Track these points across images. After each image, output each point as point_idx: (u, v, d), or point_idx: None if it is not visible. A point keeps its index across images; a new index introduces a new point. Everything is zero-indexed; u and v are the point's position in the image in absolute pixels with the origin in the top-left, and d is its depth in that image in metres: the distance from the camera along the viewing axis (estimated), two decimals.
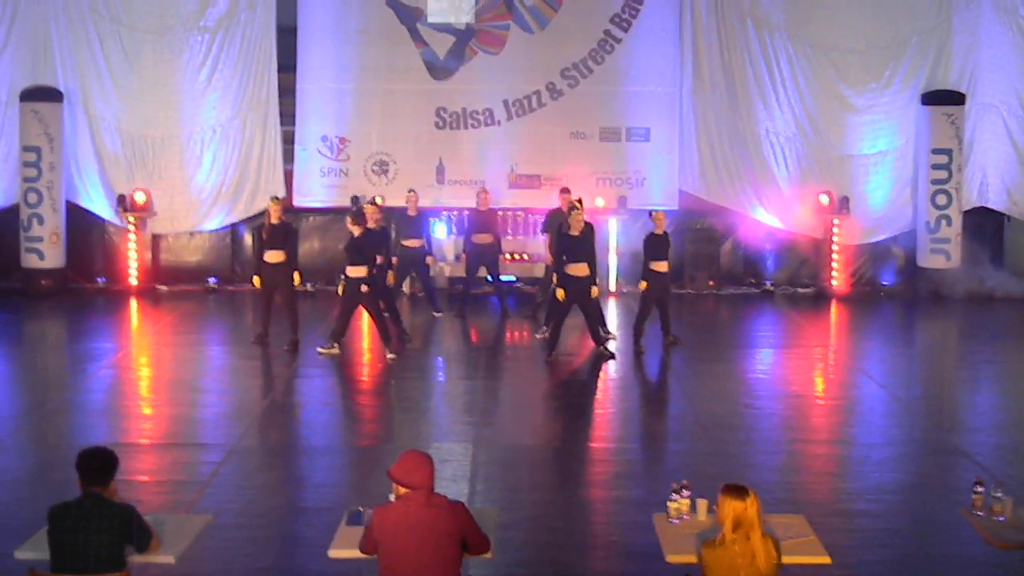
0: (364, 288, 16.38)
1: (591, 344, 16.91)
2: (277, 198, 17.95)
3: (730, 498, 6.96)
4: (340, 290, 16.71)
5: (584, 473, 12.23)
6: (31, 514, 8.85)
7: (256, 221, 19.82)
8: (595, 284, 16.49)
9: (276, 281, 17.16)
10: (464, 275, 20.31)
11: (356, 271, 16.31)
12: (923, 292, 21.97)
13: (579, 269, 16.31)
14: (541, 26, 22.24)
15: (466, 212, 21.13)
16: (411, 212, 19.55)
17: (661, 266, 17.11)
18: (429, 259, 19.75)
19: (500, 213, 21.20)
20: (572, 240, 16.39)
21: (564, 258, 16.43)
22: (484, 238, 19.82)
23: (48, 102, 21.34)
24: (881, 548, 9.86)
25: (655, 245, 17.14)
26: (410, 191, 19.81)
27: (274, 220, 17.15)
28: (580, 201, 17.53)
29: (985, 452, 12.58)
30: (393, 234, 19.35)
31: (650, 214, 17.78)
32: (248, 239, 21.79)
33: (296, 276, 17.29)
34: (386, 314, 17.28)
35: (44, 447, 12.81)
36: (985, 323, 20.45)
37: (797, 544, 7.62)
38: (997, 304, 21.44)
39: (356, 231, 16.40)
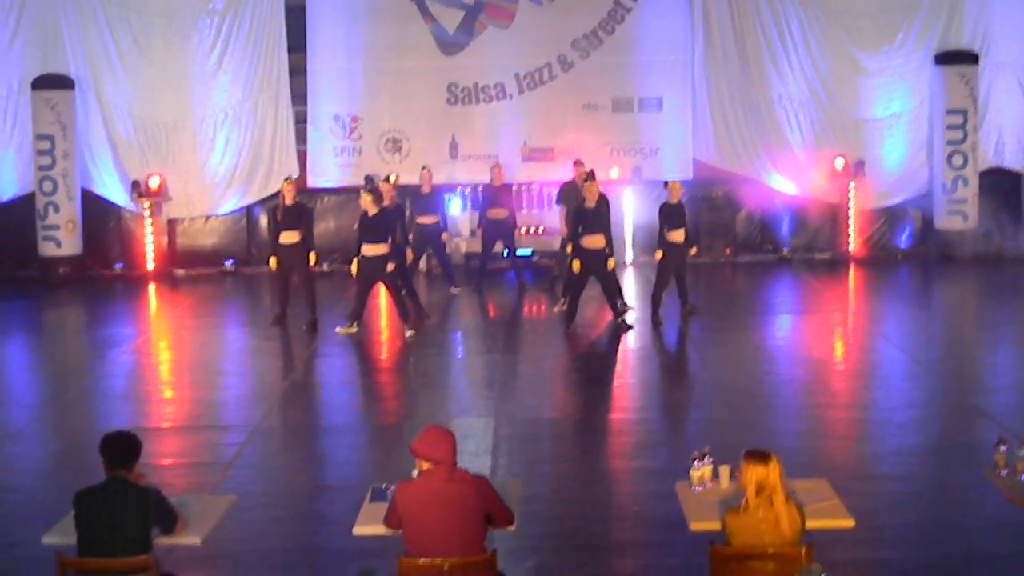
0: (391, 267, 16.43)
1: (609, 316, 16.91)
2: (291, 179, 17.93)
3: (752, 463, 6.97)
4: (354, 269, 16.68)
5: (605, 444, 12.25)
6: (56, 500, 8.91)
7: (271, 202, 19.82)
8: (611, 256, 16.47)
9: (292, 262, 17.16)
10: (480, 250, 20.31)
11: (374, 249, 16.29)
12: (940, 254, 21.91)
13: (595, 241, 16.29)
14: None
15: (480, 187, 21.13)
16: (425, 189, 19.54)
17: (677, 235, 17.06)
18: (444, 235, 19.74)
19: (514, 187, 21.17)
20: (587, 212, 16.38)
21: (579, 230, 16.41)
22: (499, 213, 19.81)
23: (60, 90, 21.34)
24: (904, 511, 9.87)
25: (671, 215, 17.10)
26: (424, 168, 19.80)
27: (288, 201, 17.15)
28: (592, 172, 17.50)
29: (1007, 412, 12.54)
30: (408, 211, 19.36)
31: (665, 184, 17.72)
32: (263, 221, 21.76)
33: (312, 256, 17.29)
34: (403, 291, 17.29)
35: (67, 433, 12.85)
36: (1003, 284, 20.37)
37: (820, 508, 7.62)
38: (1015, 264, 21.35)
39: (373, 209, 16.39)
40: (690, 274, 17.85)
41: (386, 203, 17.04)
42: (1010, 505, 8.15)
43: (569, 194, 18.55)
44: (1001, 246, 21.78)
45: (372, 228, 16.35)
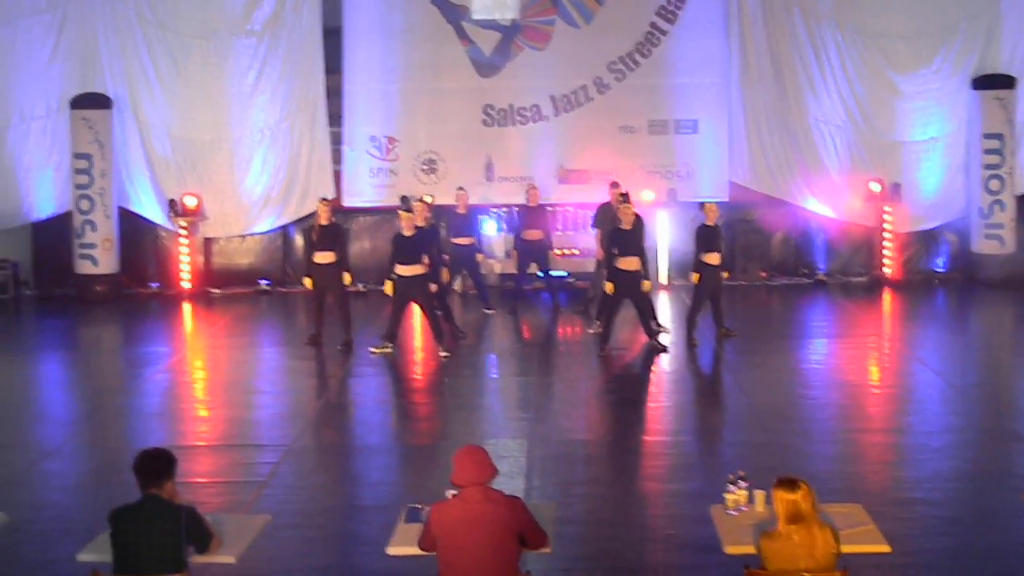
0: (434, 288, 16.64)
1: (644, 338, 16.89)
2: (326, 199, 17.99)
3: (783, 491, 6.96)
4: (388, 289, 16.71)
5: (640, 466, 12.23)
6: (92, 517, 8.94)
7: (306, 222, 19.88)
8: (646, 278, 16.46)
9: (327, 282, 17.22)
10: (515, 272, 20.32)
11: (409, 270, 16.33)
12: (977, 278, 21.81)
13: (629, 263, 16.29)
14: (586, 20, 22.21)
15: (516, 209, 21.15)
16: (460, 210, 19.57)
17: (713, 258, 17.03)
18: (479, 256, 19.77)
19: (550, 209, 21.17)
20: (622, 234, 16.38)
21: (615, 252, 16.41)
22: (534, 234, 19.81)
23: (98, 109, 21.49)
24: (941, 536, 9.81)
25: (707, 237, 17.07)
26: (459, 189, 19.84)
27: (323, 221, 17.21)
28: (627, 194, 17.50)
29: None
30: (443, 232, 19.39)
31: (701, 206, 17.71)
32: (299, 241, 21.83)
33: (347, 276, 17.33)
34: (439, 312, 17.30)
35: (103, 451, 12.92)
36: None
37: (856, 533, 7.59)
38: None
39: (409, 230, 16.43)
40: (725, 297, 17.80)
41: (421, 223, 17.06)
42: None
43: (605, 216, 18.55)
44: None
45: (407, 248, 16.39)
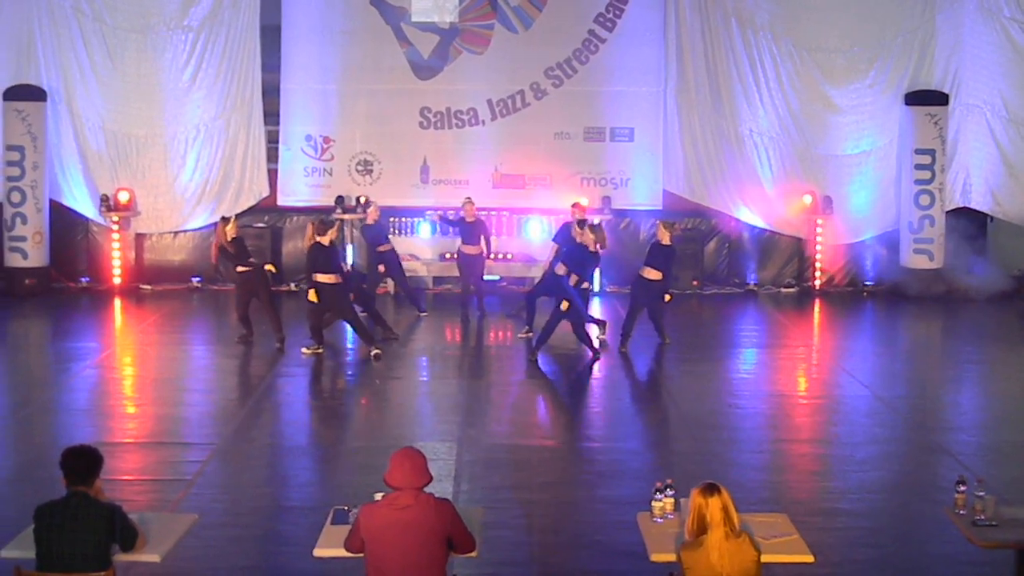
0: (352, 297, 16.93)
1: (577, 344, 16.90)
2: (226, 218, 17.81)
3: (701, 497, 6.96)
4: (313, 296, 16.56)
5: (569, 472, 12.23)
6: (17, 513, 8.86)
7: (240, 220, 19.71)
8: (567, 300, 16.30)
9: (253, 288, 17.28)
10: (456, 279, 20.46)
11: (329, 278, 16.33)
12: (906, 292, 22.01)
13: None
14: (526, 26, 22.25)
15: (451, 225, 20.58)
16: (469, 219, 19.51)
17: (654, 274, 17.12)
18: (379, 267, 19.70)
19: (483, 214, 21.00)
20: (590, 255, 16.35)
21: (575, 274, 16.27)
22: (472, 249, 19.68)
23: (32, 101, 21.28)
24: (864, 547, 9.90)
25: (656, 254, 17.16)
26: (467, 199, 19.79)
27: (234, 235, 17.25)
28: (585, 220, 17.63)
29: (968, 451, 12.63)
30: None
31: (663, 223, 17.72)
32: None
33: (270, 267, 17.60)
34: (363, 314, 17.30)
35: (29, 446, 12.80)
36: (967, 323, 20.49)
37: (780, 543, 7.65)
38: (979, 304, 21.47)
39: (325, 240, 16.38)
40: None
41: (369, 222, 17.77)
42: (969, 544, 8.20)
43: (566, 235, 18.38)
44: (966, 285, 21.88)
45: (327, 258, 16.36)
